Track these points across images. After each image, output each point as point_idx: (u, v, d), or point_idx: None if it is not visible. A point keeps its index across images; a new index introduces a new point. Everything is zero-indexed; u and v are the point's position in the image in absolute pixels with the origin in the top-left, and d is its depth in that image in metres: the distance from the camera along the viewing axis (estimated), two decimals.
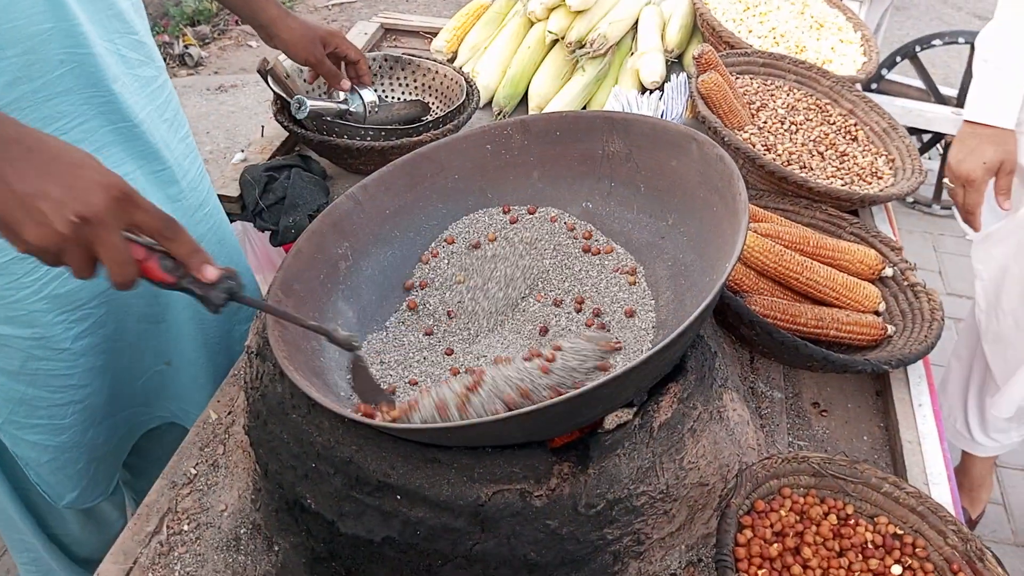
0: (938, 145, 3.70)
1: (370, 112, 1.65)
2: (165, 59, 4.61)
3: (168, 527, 1.07)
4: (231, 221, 1.59)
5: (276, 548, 1.04)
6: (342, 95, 1.65)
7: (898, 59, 3.58)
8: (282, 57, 1.69)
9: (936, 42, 3.53)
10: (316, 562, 0.99)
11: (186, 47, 4.74)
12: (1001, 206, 1.69)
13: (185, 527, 1.07)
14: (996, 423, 2.04)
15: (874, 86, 3.61)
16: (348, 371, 1.05)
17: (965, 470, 2.20)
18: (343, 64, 1.65)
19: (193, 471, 1.14)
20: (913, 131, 3.29)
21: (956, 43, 3.51)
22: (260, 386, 1.03)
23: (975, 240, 1.88)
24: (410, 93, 1.89)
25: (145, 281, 0.81)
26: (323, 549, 0.97)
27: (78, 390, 1.29)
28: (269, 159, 1.74)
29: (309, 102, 1.56)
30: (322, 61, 1.58)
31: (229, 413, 1.22)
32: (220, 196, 1.53)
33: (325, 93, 1.77)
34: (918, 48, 3.54)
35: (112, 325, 1.29)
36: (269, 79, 1.67)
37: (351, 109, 1.63)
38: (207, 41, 4.98)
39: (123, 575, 1.02)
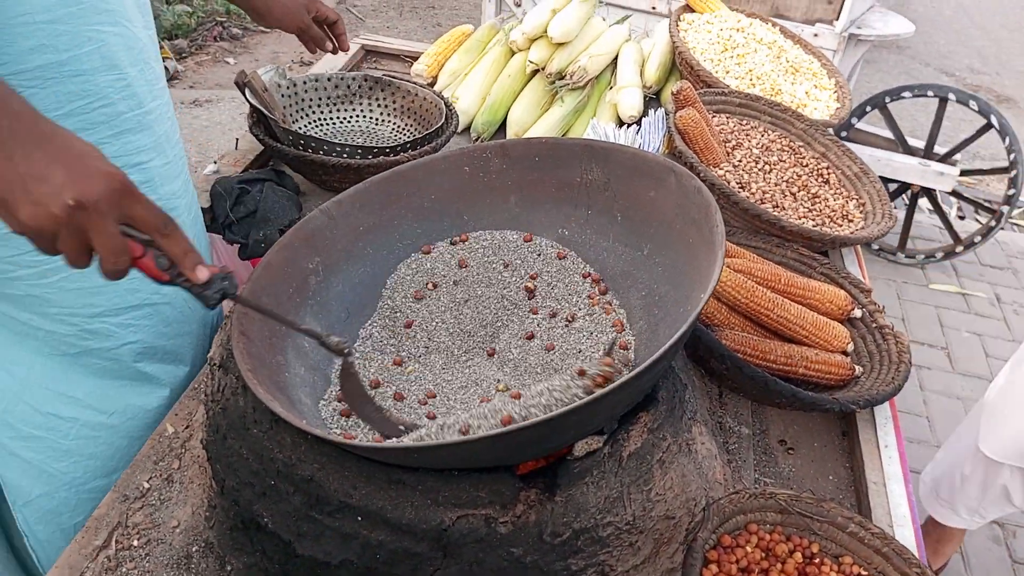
0: (904, 195, 3.77)
1: None
2: None
3: (117, 542, 1.03)
4: None
5: (228, 568, 1.00)
6: None
7: (868, 109, 3.66)
8: (260, 70, 1.68)
9: (906, 94, 3.62)
10: None
11: (162, 59, 4.70)
12: None
13: (135, 542, 1.03)
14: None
15: (844, 134, 3.69)
16: (336, 375, 1.06)
17: (933, 521, 2.20)
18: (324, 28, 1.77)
19: (146, 485, 1.10)
20: (880, 180, 3.35)
21: (925, 95, 3.59)
22: (221, 399, 1.00)
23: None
24: (389, 114, 1.89)
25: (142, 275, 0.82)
26: (277, 571, 0.94)
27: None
28: (242, 172, 1.72)
29: None
30: (310, 26, 1.69)
31: (187, 427, 1.18)
32: None
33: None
34: (888, 99, 3.62)
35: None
36: (247, 92, 1.65)
37: None
38: (184, 55, 4.95)
39: None
